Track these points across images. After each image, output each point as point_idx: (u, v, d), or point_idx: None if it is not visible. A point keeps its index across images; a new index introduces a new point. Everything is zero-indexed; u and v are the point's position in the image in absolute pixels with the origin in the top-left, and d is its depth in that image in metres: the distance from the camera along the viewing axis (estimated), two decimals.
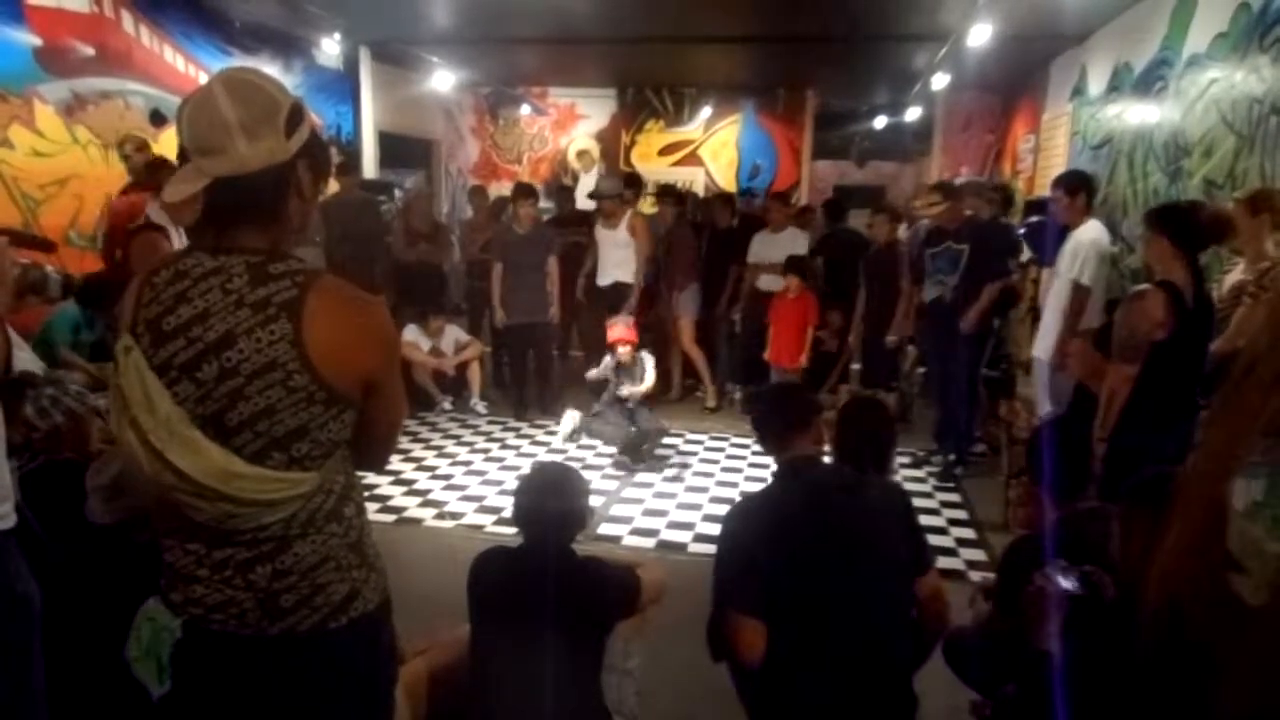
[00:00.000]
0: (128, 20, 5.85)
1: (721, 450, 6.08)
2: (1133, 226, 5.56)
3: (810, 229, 7.97)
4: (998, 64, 7.61)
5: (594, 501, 4.69)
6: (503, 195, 8.69)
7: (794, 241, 6.90)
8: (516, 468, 5.55)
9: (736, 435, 6.32)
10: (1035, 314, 5.87)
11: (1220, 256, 4.06)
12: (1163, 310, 3.16)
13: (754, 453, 5.84)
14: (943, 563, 4.08)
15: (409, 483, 5.29)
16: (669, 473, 5.53)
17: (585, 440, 6.06)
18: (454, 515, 4.81)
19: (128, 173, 5.11)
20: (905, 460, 5.83)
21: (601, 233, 6.76)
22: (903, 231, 6.88)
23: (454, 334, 6.84)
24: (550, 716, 2.09)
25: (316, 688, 1.46)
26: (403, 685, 2.03)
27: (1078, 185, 4.66)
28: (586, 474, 5.23)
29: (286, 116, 1.37)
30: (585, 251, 7.04)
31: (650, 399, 5.87)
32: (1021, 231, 6.12)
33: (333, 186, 7.04)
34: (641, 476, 5.46)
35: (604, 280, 6.79)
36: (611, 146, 10.55)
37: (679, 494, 5.20)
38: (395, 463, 5.52)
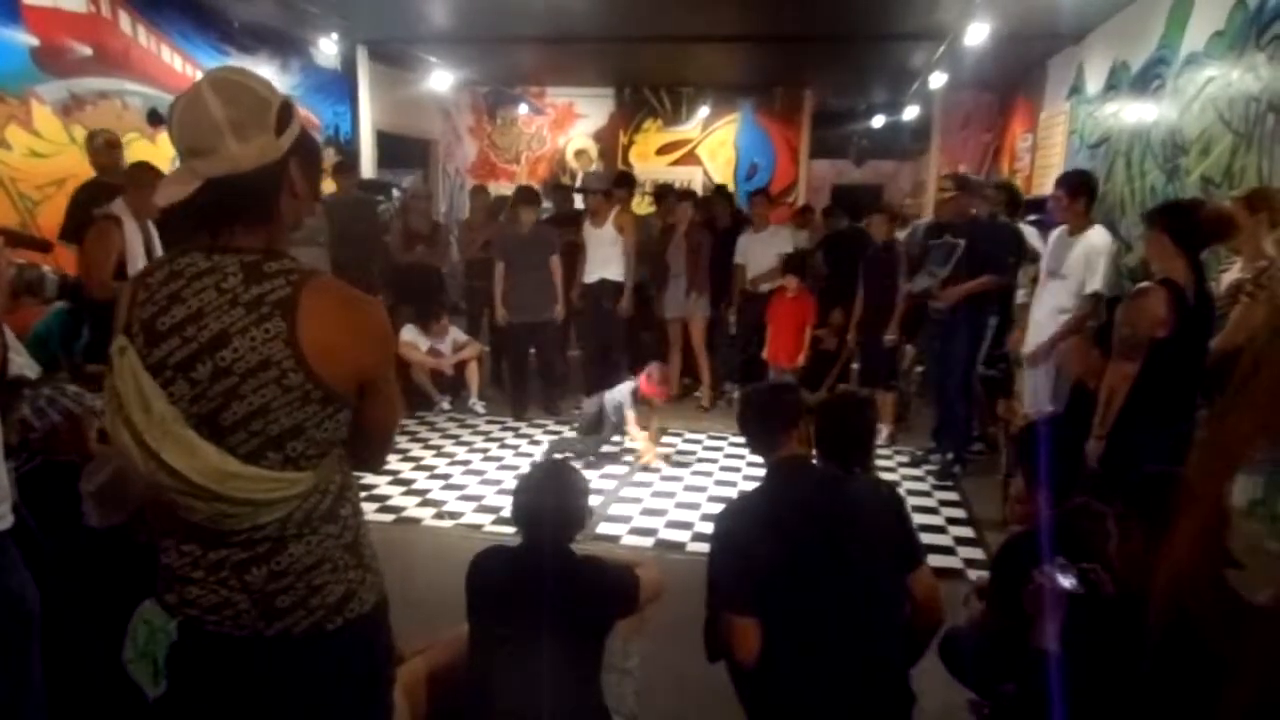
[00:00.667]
0: (125, 20, 5.84)
1: (720, 449, 6.08)
2: (1130, 225, 5.57)
3: (810, 228, 7.98)
4: (995, 63, 7.61)
5: (592, 500, 4.67)
6: (502, 195, 8.69)
7: (781, 241, 6.89)
8: (515, 467, 5.55)
9: (734, 435, 6.29)
10: None
11: (1218, 254, 4.06)
12: (1164, 308, 3.16)
13: (752, 452, 5.83)
14: (941, 561, 4.09)
15: (407, 482, 5.28)
16: (667, 471, 5.53)
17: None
18: (452, 515, 4.81)
19: (93, 166, 5.00)
20: (904, 459, 5.84)
21: (589, 230, 6.78)
22: (901, 233, 6.90)
23: (452, 334, 6.84)
24: (549, 716, 2.08)
25: (313, 689, 1.46)
26: (401, 685, 2.03)
27: (1079, 187, 4.60)
28: (585, 473, 5.25)
29: (276, 114, 1.36)
30: (581, 251, 7.04)
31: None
32: (1032, 219, 6.10)
33: (330, 186, 7.05)
34: (640, 475, 5.46)
35: (590, 278, 6.81)
36: (609, 146, 10.55)
37: (677, 493, 5.20)
38: (393, 462, 5.52)
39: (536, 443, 6.17)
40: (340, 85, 8.36)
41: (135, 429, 1.31)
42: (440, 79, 8.92)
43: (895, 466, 5.70)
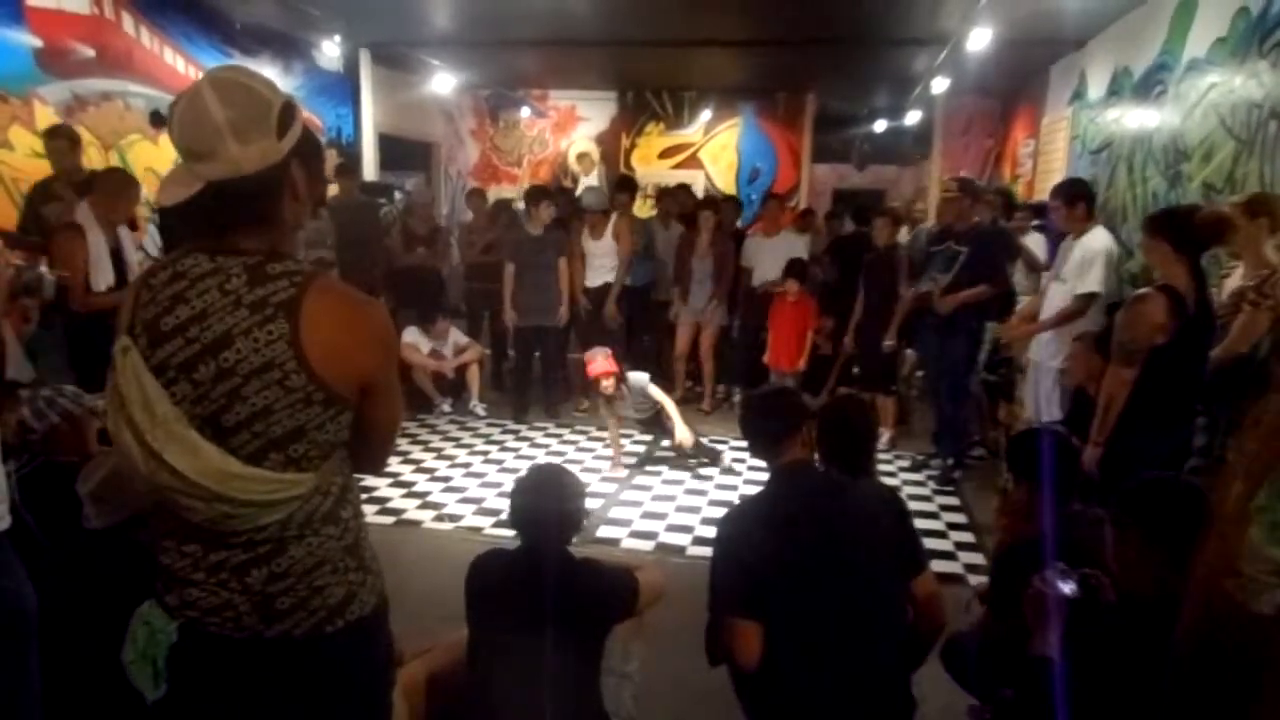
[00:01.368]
0: (128, 22, 5.85)
1: (720, 453, 6.06)
2: (1132, 231, 5.57)
3: (812, 231, 7.97)
4: (997, 68, 7.61)
5: (592, 504, 4.68)
6: (504, 198, 8.70)
7: (791, 246, 6.89)
8: (515, 470, 5.54)
9: (735, 438, 6.31)
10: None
11: (1220, 261, 4.06)
12: (1164, 314, 3.15)
13: (753, 455, 5.83)
14: (942, 566, 4.08)
15: (408, 485, 5.28)
16: (668, 475, 5.53)
17: (585, 442, 6.07)
18: (453, 517, 4.81)
19: (52, 165, 4.82)
20: (904, 464, 5.84)
21: (587, 241, 6.80)
22: (903, 235, 6.89)
23: (453, 336, 6.84)
24: (549, 718, 2.08)
25: (313, 691, 1.45)
26: (401, 688, 2.03)
27: (1076, 194, 4.63)
28: (585, 476, 5.26)
29: (278, 116, 1.35)
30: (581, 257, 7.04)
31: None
32: (1035, 225, 6.11)
33: (332, 189, 7.06)
34: (640, 479, 5.45)
35: (594, 282, 6.85)
36: (611, 149, 10.56)
37: (678, 496, 5.19)
38: (394, 465, 5.51)
39: (538, 445, 6.17)
40: (342, 88, 8.37)
41: (138, 429, 1.31)
42: (442, 82, 8.93)
43: (896, 471, 5.69)
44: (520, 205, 8.04)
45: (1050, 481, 2.35)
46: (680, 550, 4.42)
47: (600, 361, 5.34)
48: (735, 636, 2.13)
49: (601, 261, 6.80)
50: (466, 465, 5.69)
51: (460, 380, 6.92)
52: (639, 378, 5.52)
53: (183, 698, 1.43)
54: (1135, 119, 5.86)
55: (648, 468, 5.58)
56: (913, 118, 10.24)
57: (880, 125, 11.19)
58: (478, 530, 4.64)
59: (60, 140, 4.80)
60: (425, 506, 4.96)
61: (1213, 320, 3.34)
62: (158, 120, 6.04)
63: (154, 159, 5.98)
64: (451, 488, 5.27)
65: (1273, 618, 1.04)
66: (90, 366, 3.50)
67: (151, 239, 5.89)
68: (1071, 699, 1.72)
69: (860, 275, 6.18)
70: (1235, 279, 3.66)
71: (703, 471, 5.65)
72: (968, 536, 4.65)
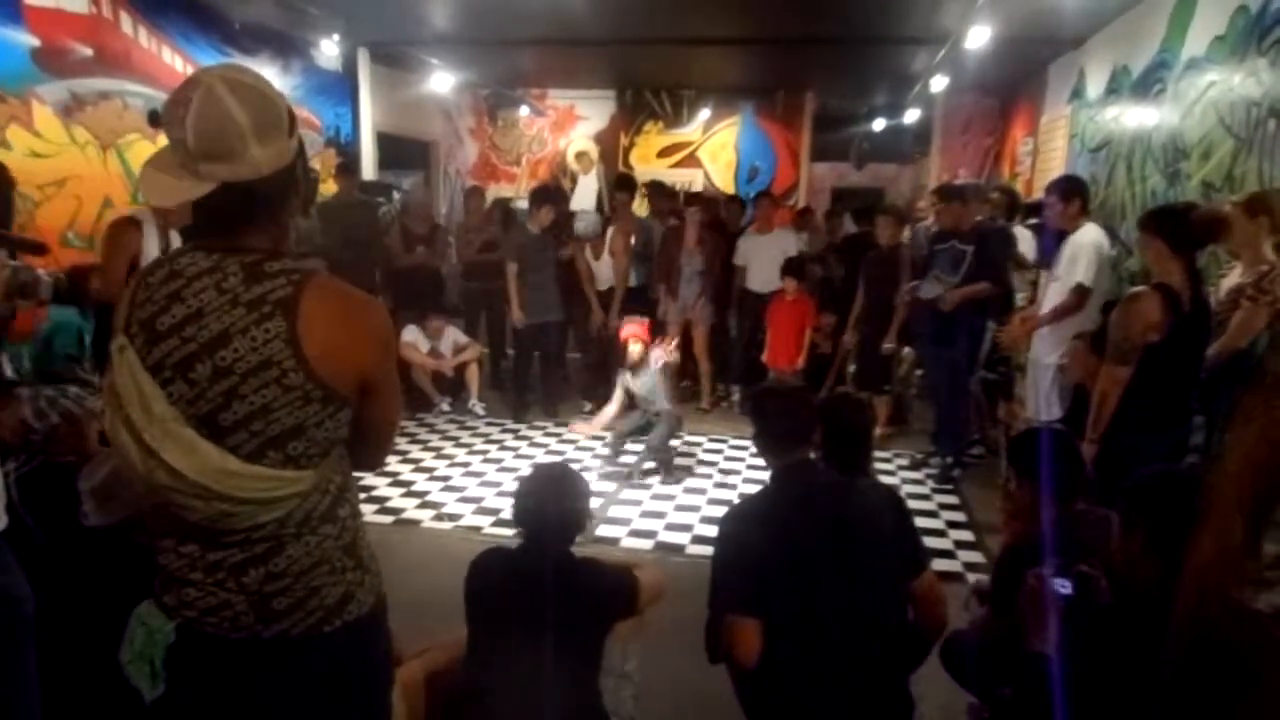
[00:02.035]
0: (126, 21, 5.84)
1: (720, 452, 6.07)
2: (1131, 230, 5.56)
3: (809, 229, 7.97)
4: (996, 66, 7.61)
5: (592, 503, 4.66)
6: (502, 197, 8.69)
7: (784, 244, 6.89)
8: (514, 469, 5.55)
9: (734, 437, 6.32)
10: None
11: (1218, 258, 4.06)
12: (1158, 312, 3.16)
13: (752, 454, 5.84)
14: (941, 565, 4.08)
15: (407, 484, 5.28)
16: (668, 474, 5.52)
17: (585, 441, 6.07)
18: (452, 516, 4.81)
19: None
20: (903, 462, 5.84)
21: (590, 260, 6.83)
22: (904, 234, 6.87)
23: (452, 335, 6.84)
24: (548, 718, 2.08)
25: (311, 691, 1.45)
26: (399, 687, 2.03)
27: (1071, 191, 4.65)
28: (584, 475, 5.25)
29: (288, 116, 1.37)
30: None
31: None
32: (1031, 223, 6.10)
33: (331, 188, 7.05)
34: (639, 477, 5.45)
35: (602, 285, 6.88)
36: (610, 148, 10.56)
37: (677, 495, 5.19)
38: (393, 464, 5.51)
39: (537, 445, 6.17)
40: (341, 87, 8.35)
41: (135, 428, 1.31)
42: (441, 81, 8.92)
43: (895, 470, 5.70)
44: (519, 204, 8.04)
45: (1051, 481, 2.35)
46: (680, 549, 4.42)
47: (634, 325, 5.70)
48: (735, 634, 2.13)
49: (606, 273, 6.87)
50: (465, 464, 5.69)
51: (459, 379, 6.92)
52: (659, 354, 5.72)
53: (180, 697, 1.43)
54: (1134, 117, 5.86)
55: (644, 467, 5.57)
56: (912, 116, 10.23)
57: (879, 124, 11.18)
58: (477, 529, 4.64)
59: None
60: (424, 506, 4.96)
61: (1209, 318, 3.34)
62: (156, 120, 6.01)
63: None
64: (450, 487, 5.27)
65: (1266, 614, 1.04)
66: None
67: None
68: (1069, 696, 1.72)
69: (859, 275, 6.17)
70: (1233, 278, 3.66)
71: (702, 471, 5.65)
72: (967, 535, 4.66)
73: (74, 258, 5.36)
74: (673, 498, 5.15)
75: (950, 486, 5.39)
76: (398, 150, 9.52)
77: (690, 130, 10.40)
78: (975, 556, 4.36)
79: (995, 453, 5.71)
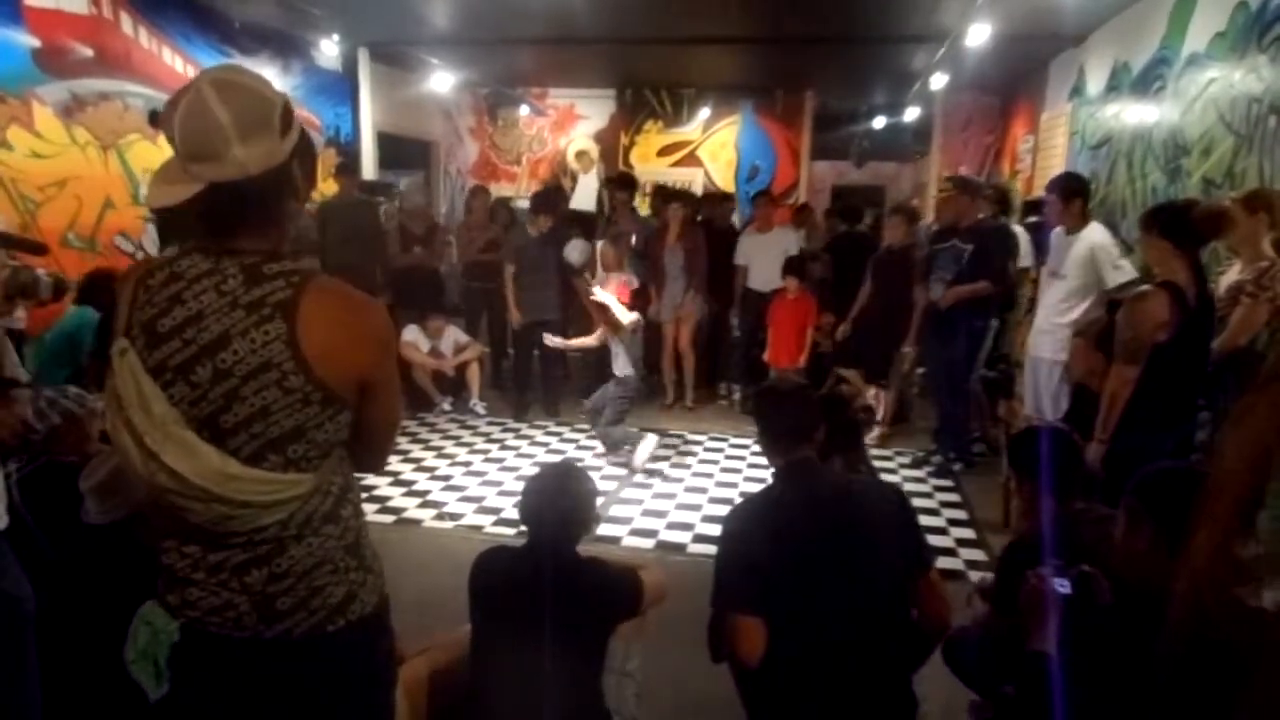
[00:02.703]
0: (126, 22, 5.85)
1: (721, 451, 6.08)
2: (1131, 227, 5.56)
3: (808, 226, 7.97)
4: (996, 64, 7.61)
5: (597, 503, 4.67)
6: (502, 196, 8.69)
7: (784, 242, 6.88)
8: (516, 468, 5.55)
9: (735, 435, 6.32)
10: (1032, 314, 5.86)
11: (1218, 255, 4.06)
12: (1166, 311, 3.15)
13: (753, 453, 5.85)
14: (942, 563, 4.08)
15: (408, 483, 5.28)
16: (668, 473, 5.53)
17: (585, 441, 6.08)
18: (453, 516, 4.81)
19: None
20: (905, 460, 5.84)
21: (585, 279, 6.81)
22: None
23: (453, 335, 6.84)
24: (550, 717, 2.08)
25: (314, 691, 1.46)
26: (403, 685, 2.03)
27: (1072, 189, 4.63)
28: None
29: (280, 115, 1.34)
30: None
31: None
32: (1030, 221, 6.10)
33: (331, 187, 7.04)
34: (640, 476, 5.46)
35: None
36: (610, 147, 10.55)
37: (678, 494, 5.20)
38: (394, 463, 5.52)
39: (538, 444, 6.18)
40: (341, 86, 8.36)
41: (135, 430, 1.31)
42: (441, 80, 8.92)
43: (896, 468, 5.70)
44: (520, 204, 8.03)
45: (1051, 479, 2.35)
46: (681, 548, 4.43)
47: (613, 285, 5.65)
48: (738, 633, 2.13)
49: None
50: (467, 464, 5.69)
51: (460, 379, 6.92)
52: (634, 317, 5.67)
53: (184, 697, 1.43)
54: (1134, 114, 5.86)
55: (649, 466, 5.57)
56: (912, 114, 10.22)
57: (879, 122, 11.18)
58: (478, 529, 4.64)
59: None
60: (426, 505, 4.96)
61: (1214, 316, 3.34)
62: (156, 120, 6.03)
63: (153, 159, 5.97)
64: (452, 486, 5.27)
65: (1267, 611, 1.04)
66: None
67: (150, 239, 5.91)
68: (1071, 695, 1.72)
69: (865, 273, 6.14)
70: (1232, 274, 3.66)
71: (703, 470, 5.65)
72: (968, 533, 4.66)
73: (74, 258, 5.37)
74: (674, 496, 5.15)
75: (951, 483, 5.39)
76: (398, 150, 9.52)
77: (690, 129, 10.39)
78: (977, 554, 4.36)
79: (996, 451, 5.71)
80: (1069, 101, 7.35)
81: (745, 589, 2.15)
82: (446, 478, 5.42)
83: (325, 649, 1.44)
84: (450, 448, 6.03)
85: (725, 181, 10.32)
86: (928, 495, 5.22)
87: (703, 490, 5.27)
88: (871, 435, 6.01)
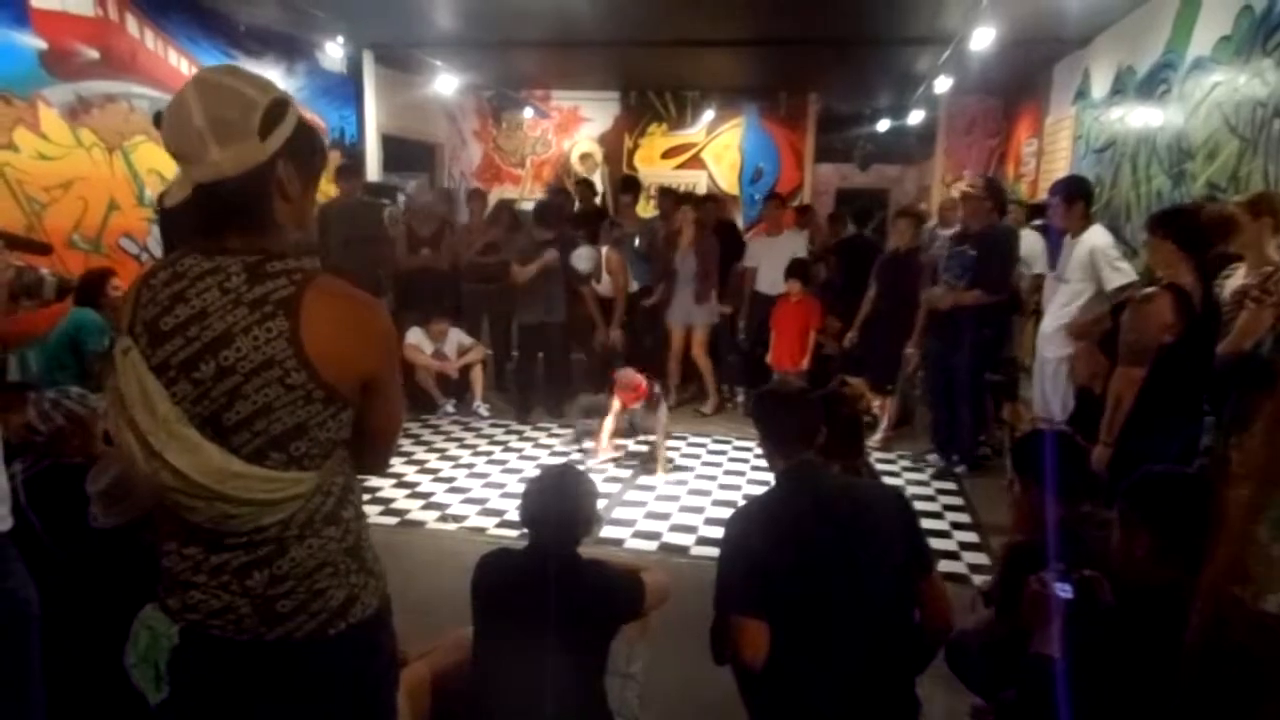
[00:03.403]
0: (132, 23, 5.87)
1: (724, 454, 6.07)
2: (1136, 230, 5.56)
3: (811, 228, 7.96)
4: (1000, 67, 7.60)
5: (597, 504, 4.67)
6: (505, 199, 8.69)
7: (794, 246, 6.87)
8: (519, 471, 5.55)
9: (739, 439, 6.32)
10: (1038, 317, 5.84)
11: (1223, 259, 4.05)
12: (1171, 313, 3.15)
13: (756, 456, 5.84)
14: (945, 566, 4.07)
15: (411, 485, 5.29)
16: (671, 476, 5.53)
17: (589, 442, 6.07)
18: (456, 518, 4.81)
19: None
20: (907, 463, 5.83)
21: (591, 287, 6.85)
22: None
23: (456, 337, 6.84)
24: (552, 719, 2.08)
25: (316, 694, 1.45)
26: (405, 688, 2.03)
27: (1076, 192, 4.62)
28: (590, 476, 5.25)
29: (262, 115, 1.32)
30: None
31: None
32: (1036, 224, 6.07)
33: (334, 190, 7.05)
34: (644, 479, 5.46)
35: (606, 292, 6.90)
36: (614, 149, 10.57)
37: (681, 497, 5.19)
38: (398, 465, 5.52)
39: (541, 446, 6.18)
40: (346, 89, 8.38)
41: (139, 429, 1.31)
42: (445, 83, 8.94)
43: (900, 471, 5.69)
44: (523, 206, 8.03)
45: (1054, 482, 2.34)
46: (684, 550, 4.42)
47: (629, 390, 5.53)
48: (741, 635, 2.12)
49: (608, 286, 6.89)
50: (470, 466, 5.69)
51: (464, 381, 6.92)
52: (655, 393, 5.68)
53: (185, 700, 1.43)
54: (1139, 118, 5.86)
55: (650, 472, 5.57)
56: (916, 117, 10.21)
57: (883, 125, 11.16)
58: (481, 530, 4.64)
59: None
60: (429, 507, 4.96)
61: (1219, 319, 3.34)
62: (159, 122, 6.06)
63: (159, 161, 5.99)
64: (455, 488, 5.28)
65: (1275, 617, 1.04)
66: None
67: (156, 240, 5.92)
68: (1073, 698, 1.72)
69: (871, 276, 6.12)
70: (1237, 278, 3.65)
71: (706, 472, 5.65)
72: (971, 536, 4.65)
73: (80, 260, 5.39)
74: (677, 499, 5.15)
75: (954, 486, 5.38)
76: (402, 152, 9.54)
77: (694, 132, 10.40)
78: (980, 558, 4.35)
79: (1000, 454, 5.70)
80: (1073, 105, 7.35)
81: (748, 591, 2.15)
82: (450, 480, 5.42)
83: (326, 652, 1.43)
84: (454, 450, 6.03)
85: (729, 184, 10.33)
86: (931, 498, 5.21)
87: (706, 493, 5.27)
88: (874, 438, 6.01)
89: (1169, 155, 5.27)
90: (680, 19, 6.90)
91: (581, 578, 2.20)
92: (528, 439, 6.34)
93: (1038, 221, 6.13)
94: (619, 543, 4.49)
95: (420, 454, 5.90)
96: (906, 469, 5.74)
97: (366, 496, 4.89)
